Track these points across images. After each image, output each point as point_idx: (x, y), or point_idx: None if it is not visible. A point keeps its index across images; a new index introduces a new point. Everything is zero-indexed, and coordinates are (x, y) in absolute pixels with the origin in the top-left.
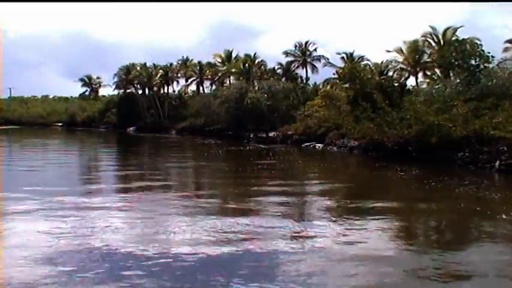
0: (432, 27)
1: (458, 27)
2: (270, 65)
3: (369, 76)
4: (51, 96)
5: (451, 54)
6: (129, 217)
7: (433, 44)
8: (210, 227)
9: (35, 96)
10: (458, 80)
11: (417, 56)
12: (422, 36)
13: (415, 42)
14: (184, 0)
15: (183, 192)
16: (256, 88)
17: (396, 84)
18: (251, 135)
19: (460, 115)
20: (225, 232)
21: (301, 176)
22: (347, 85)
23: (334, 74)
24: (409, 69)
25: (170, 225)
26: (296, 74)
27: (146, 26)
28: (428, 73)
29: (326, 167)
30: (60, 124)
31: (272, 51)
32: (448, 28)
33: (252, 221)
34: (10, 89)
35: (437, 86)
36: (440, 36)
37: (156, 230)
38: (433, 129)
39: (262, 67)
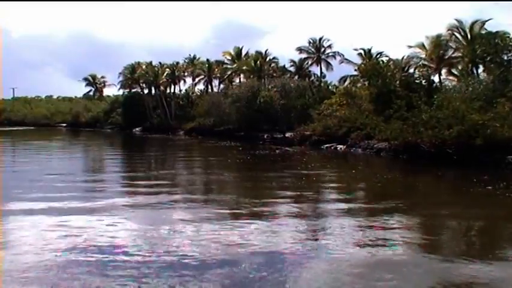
0: (458, 21)
1: (487, 20)
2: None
3: (393, 72)
4: (55, 97)
5: (482, 48)
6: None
7: (460, 38)
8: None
9: (38, 97)
10: (491, 76)
11: (441, 52)
12: (448, 29)
13: (439, 36)
14: (188, 0)
15: None
16: (269, 86)
17: (424, 81)
18: (265, 136)
19: (507, 113)
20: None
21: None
22: (369, 82)
23: (355, 70)
24: (432, 65)
25: None
26: (309, 71)
27: (150, 26)
28: (454, 70)
29: (384, 177)
30: (64, 125)
31: (277, 51)
32: (475, 21)
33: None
34: (13, 89)
35: (469, 82)
36: (467, 30)
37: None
38: (477, 129)
39: (274, 65)
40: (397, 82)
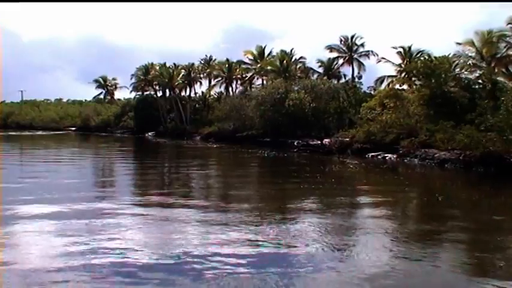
0: None
1: None
2: None
3: (447, 72)
4: (64, 100)
5: None
6: None
7: None
8: None
9: (48, 100)
10: None
11: (496, 49)
12: (508, 23)
13: (490, 32)
14: (198, 1)
15: None
16: (296, 88)
17: (485, 82)
18: (295, 143)
19: None
20: None
21: None
22: (420, 83)
23: (399, 70)
24: (482, 64)
25: None
26: (339, 72)
27: (160, 30)
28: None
29: None
30: (73, 128)
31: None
32: None
33: None
34: (22, 91)
35: None
36: None
37: None
38: None
39: (301, 65)
40: (453, 82)
